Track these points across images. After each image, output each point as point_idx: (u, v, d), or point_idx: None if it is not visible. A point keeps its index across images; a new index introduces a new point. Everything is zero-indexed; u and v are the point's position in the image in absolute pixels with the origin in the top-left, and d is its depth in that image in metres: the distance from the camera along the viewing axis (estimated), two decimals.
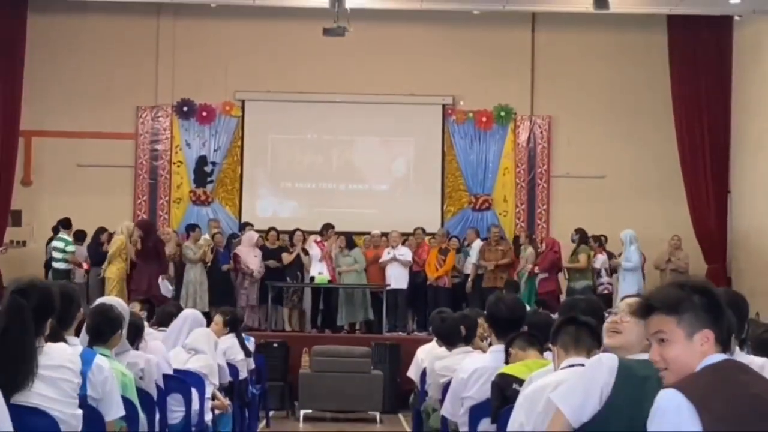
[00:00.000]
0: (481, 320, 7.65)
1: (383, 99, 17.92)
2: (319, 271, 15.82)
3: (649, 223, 16.84)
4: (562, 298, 14.74)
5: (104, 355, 5.15)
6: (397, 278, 15.91)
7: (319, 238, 16.24)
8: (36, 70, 17.31)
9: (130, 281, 14.62)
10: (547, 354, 5.31)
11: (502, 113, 18.03)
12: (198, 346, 7.95)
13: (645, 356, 3.44)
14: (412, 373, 9.05)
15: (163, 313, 9.17)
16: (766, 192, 15.83)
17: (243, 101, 18.12)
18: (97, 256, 15.52)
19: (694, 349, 2.88)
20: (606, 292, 15.38)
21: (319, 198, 18.17)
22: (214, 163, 18.06)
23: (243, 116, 18.12)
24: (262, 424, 12.03)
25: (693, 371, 2.86)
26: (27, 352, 3.87)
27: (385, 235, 16.42)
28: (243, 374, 9.56)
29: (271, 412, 12.80)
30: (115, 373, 4.90)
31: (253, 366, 10.38)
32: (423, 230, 16.64)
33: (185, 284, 15.34)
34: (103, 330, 5.42)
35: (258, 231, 16.38)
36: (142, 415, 5.41)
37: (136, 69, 17.84)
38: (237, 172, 18.13)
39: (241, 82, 17.98)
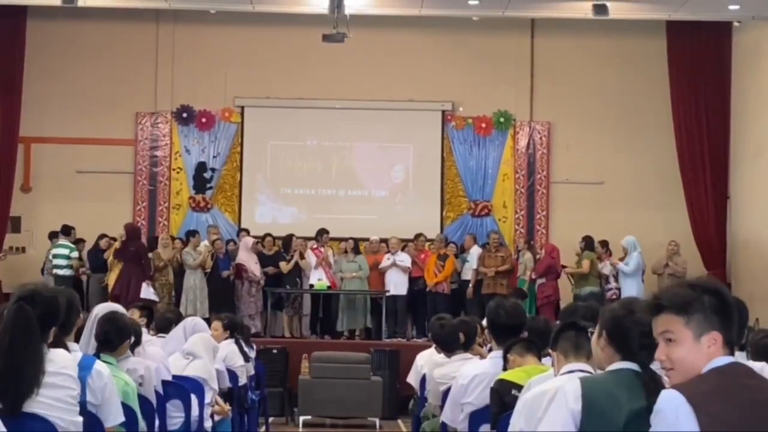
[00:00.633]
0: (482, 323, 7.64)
1: (382, 105, 17.94)
2: (318, 278, 15.84)
3: (648, 229, 16.83)
4: (562, 304, 14.72)
5: (109, 362, 5.18)
6: (397, 284, 15.92)
7: (315, 245, 16.25)
8: (35, 77, 17.33)
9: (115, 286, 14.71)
10: (546, 360, 5.32)
11: (502, 119, 18.04)
12: (196, 352, 7.94)
13: (621, 365, 3.45)
14: (412, 379, 9.04)
15: (162, 320, 9.16)
16: (765, 198, 15.83)
17: (242, 107, 18.13)
18: (98, 262, 15.55)
19: (701, 351, 2.85)
20: (614, 297, 15.39)
21: (318, 204, 18.17)
22: (213, 170, 18.06)
23: (242, 122, 18.13)
24: (262, 430, 12.01)
25: (699, 373, 2.83)
26: (35, 360, 3.88)
27: (384, 241, 16.43)
28: (242, 380, 9.55)
29: (271, 419, 12.78)
30: (117, 382, 4.92)
31: (252, 372, 10.36)
32: (424, 236, 16.64)
33: (185, 290, 15.34)
34: (112, 338, 5.58)
35: (256, 237, 16.38)
36: (141, 422, 5.42)
37: (135, 75, 17.85)
38: (236, 179, 18.14)
39: (241, 88, 17.99)
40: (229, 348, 9.41)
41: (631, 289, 15.02)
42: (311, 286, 15.87)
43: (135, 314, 8.74)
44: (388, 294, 15.79)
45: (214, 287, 15.46)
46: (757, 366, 4.54)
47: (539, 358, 5.42)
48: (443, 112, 18.11)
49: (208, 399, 7.73)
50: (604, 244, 16.09)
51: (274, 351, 14.22)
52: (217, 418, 8.16)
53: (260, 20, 17.21)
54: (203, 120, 18.02)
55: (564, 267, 15.98)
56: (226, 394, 8.70)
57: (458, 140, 18.12)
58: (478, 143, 18.11)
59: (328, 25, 15.33)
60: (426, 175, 18.17)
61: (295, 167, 18.32)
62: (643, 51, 17.73)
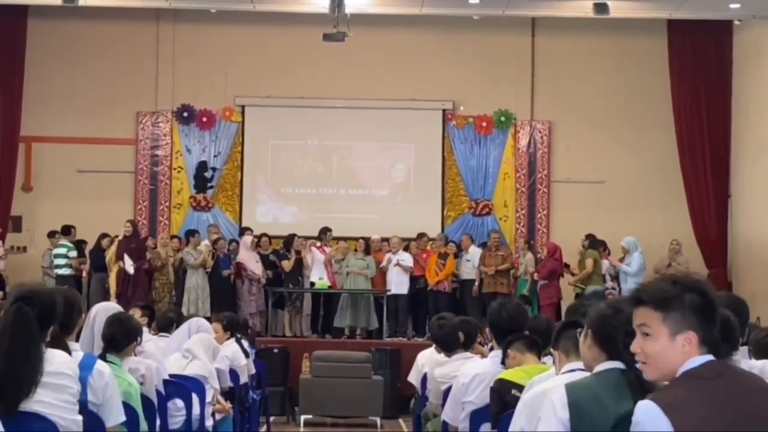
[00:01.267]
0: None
1: (383, 104, 17.94)
2: (319, 277, 15.84)
3: (649, 228, 16.84)
4: (564, 305, 14.71)
5: (114, 363, 5.20)
6: (398, 283, 15.92)
7: (318, 243, 16.28)
8: (36, 76, 17.34)
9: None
10: (546, 359, 5.31)
11: (502, 118, 18.04)
12: (195, 351, 7.94)
13: (607, 365, 3.45)
14: (413, 378, 9.04)
15: (163, 319, 9.16)
16: (766, 197, 15.83)
17: (243, 107, 18.13)
18: (99, 261, 15.58)
19: (676, 349, 2.83)
20: (610, 296, 15.37)
21: (319, 203, 18.17)
22: (214, 169, 18.07)
23: (243, 122, 18.13)
24: (263, 429, 12.01)
25: (673, 370, 2.82)
26: (34, 360, 3.88)
27: (386, 240, 16.43)
28: (243, 379, 9.55)
29: (272, 418, 12.78)
30: (120, 382, 4.93)
31: (253, 370, 10.36)
32: (427, 236, 16.63)
33: (187, 290, 15.36)
34: (119, 339, 5.62)
35: (255, 236, 16.39)
36: (143, 422, 5.42)
37: (136, 74, 17.85)
38: (237, 178, 18.14)
39: (241, 87, 17.99)
40: (233, 348, 9.42)
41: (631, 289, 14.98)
42: (312, 284, 15.88)
43: (136, 314, 8.74)
44: (389, 293, 15.79)
45: (215, 287, 15.47)
46: (758, 364, 4.55)
47: (539, 357, 5.42)
48: (444, 111, 18.12)
49: (208, 398, 7.73)
50: (602, 243, 16.10)
51: (275, 350, 14.23)
52: (218, 417, 8.16)
53: (261, 19, 17.21)
54: (204, 119, 18.02)
55: (567, 266, 15.97)
56: (227, 393, 8.70)
57: (459, 139, 18.12)
58: (479, 142, 18.11)
59: (328, 24, 15.33)
60: (427, 175, 18.17)
61: (295, 166, 18.32)
62: (644, 50, 17.73)
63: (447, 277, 15.93)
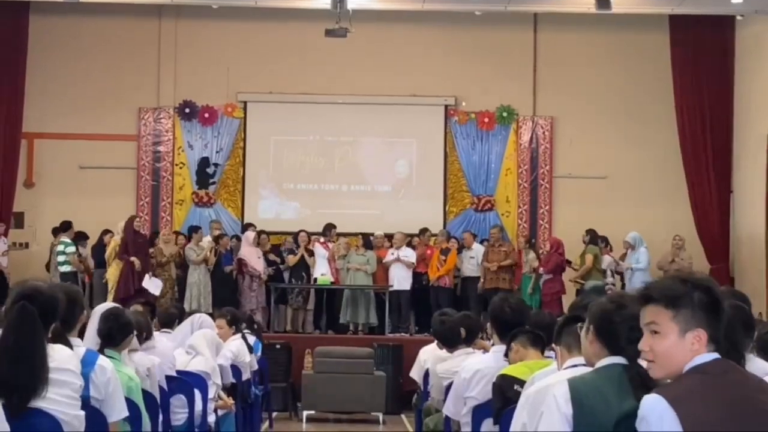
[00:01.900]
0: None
1: (385, 100, 17.92)
2: (322, 272, 15.85)
3: (651, 223, 16.83)
4: (568, 299, 14.71)
5: (113, 358, 5.21)
6: (400, 279, 15.93)
7: (322, 239, 16.30)
8: (38, 72, 17.34)
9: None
10: (550, 354, 5.31)
11: (505, 114, 18.02)
12: (197, 347, 7.95)
13: (608, 361, 3.44)
14: (415, 374, 9.06)
15: (165, 315, 9.17)
16: None
17: (245, 102, 18.12)
18: (101, 257, 15.58)
19: (685, 347, 2.84)
20: (610, 292, 15.37)
21: (321, 199, 18.16)
22: (216, 165, 18.06)
23: (245, 117, 18.12)
24: (265, 425, 12.03)
25: (680, 368, 2.83)
26: (40, 358, 3.89)
27: (389, 236, 16.44)
28: (246, 375, 9.56)
29: (274, 413, 12.81)
30: (121, 377, 4.93)
31: (256, 366, 10.38)
32: (430, 231, 16.62)
33: (189, 286, 15.38)
34: (115, 334, 5.62)
35: (259, 233, 16.42)
36: (145, 417, 5.43)
37: (138, 71, 17.84)
38: (239, 174, 18.13)
39: (243, 83, 17.98)
40: (237, 344, 9.42)
41: (639, 284, 14.95)
42: (314, 280, 15.90)
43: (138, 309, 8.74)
44: (391, 289, 15.80)
45: (217, 283, 15.49)
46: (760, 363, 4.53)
47: (542, 353, 5.42)
48: (446, 106, 18.10)
49: (211, 394, 7.74)
50: (604, 239, 16.12)
51: (278, 346, 14.23)
52: (220, 412, 8.18)
53: (263, 15, 17.21)
54: (206, 115, 18.02)
55: (569, 262, 15.98)
56: (229, 389, 8.72)
57: (461, 135, 18.11)
58: (481, 138, 18.10)
59: (330, 20, 15.32)
60: (429, 170, 18.15)
61: (298, 162, 18.31)
62: (646, 45, 17.71)
63: (448, 273, 15.93)
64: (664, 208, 17.47)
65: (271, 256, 16.21)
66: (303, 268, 16.10)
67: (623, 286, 15.60)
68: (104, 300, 14.38)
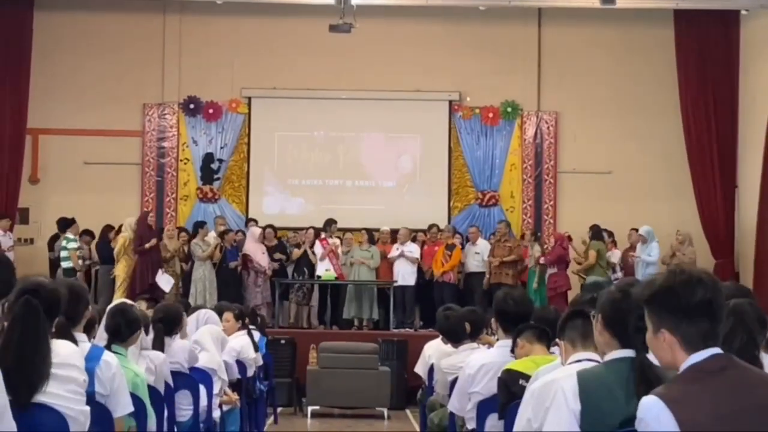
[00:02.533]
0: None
1: (389, 95, 17.92)
2: (326, 269, 15.86)
3: (656, 218, 16.79)
4: (572, 294, 14.71)
5: (119, 353, 5.22)
6: (405, 275, 15.92)
7: (322, 236, 16.29)
8: (43, 68, 17.34)
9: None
10: (555, 349, 5.31)
11: (509, 109, 18.02)
12: (203, 343, 7.95)
13: (617, 354, 3.45)
14: (420, 369, 9.06)
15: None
16: None
17: (249, 98, 18.13)
18: (107, 253, 15.61)
19: (660, 345, 2.86)
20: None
21: (325, 195, 18.16)
22: (220, 160, 18.07)
23: (249, 113, 18.12)
24: (270, 420, 12.05)
25: (669, 362, 2.85)
26: (43, 354, 3.89)
27: (395, 232, 16.44)
28: (251, 371, 9.57)
29: (279, 409, 12.83)
30: (126, 373, 4.94)
31: (261, 362, 10.38)
32: (437, 227, 16.60)
33: (194, 281, 15.40)
34: (122, 330, 5.65)
35: (266, 227, 16.43)
36: (151, 412, 5.44)
37: (142, 66, 17.85)
38: (244, 169, 18.14)
39: (248, 79, 17.98)
40: (243, 340, 9.42)
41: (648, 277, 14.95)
42: (318, 277, 15.90)
43: (142, 306, 8.77)
44: (396, 284, 15.80)
45: (222, 278, 15.50)
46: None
47: (548, 348, 5.42)
48: (450, 102, 18.10)
49: (216, 389, 7.75)
50: (610, 234, 16.11)
51: (282, 341, 14.24)
52: (225, 408, 8.19)
53: (267, 11, 17.21)
54: (210, 111, 18.02)
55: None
56: (234, 385, 8.72)
57: (465, 130, 18.10)
58: (485, 133, 18.09)
59: (334, 15, 15.33)
60: (433, 166, 18.15)
61: (302, 158, 18.31)
62: (651, 40, 17.68)
63: (453, 268, 15.93)
64: (668, 203, 17.46)
65: (277, 255, 16.16)
66: (306, 263, 16.11)
67: None
68: (110, 296, 14.42)
